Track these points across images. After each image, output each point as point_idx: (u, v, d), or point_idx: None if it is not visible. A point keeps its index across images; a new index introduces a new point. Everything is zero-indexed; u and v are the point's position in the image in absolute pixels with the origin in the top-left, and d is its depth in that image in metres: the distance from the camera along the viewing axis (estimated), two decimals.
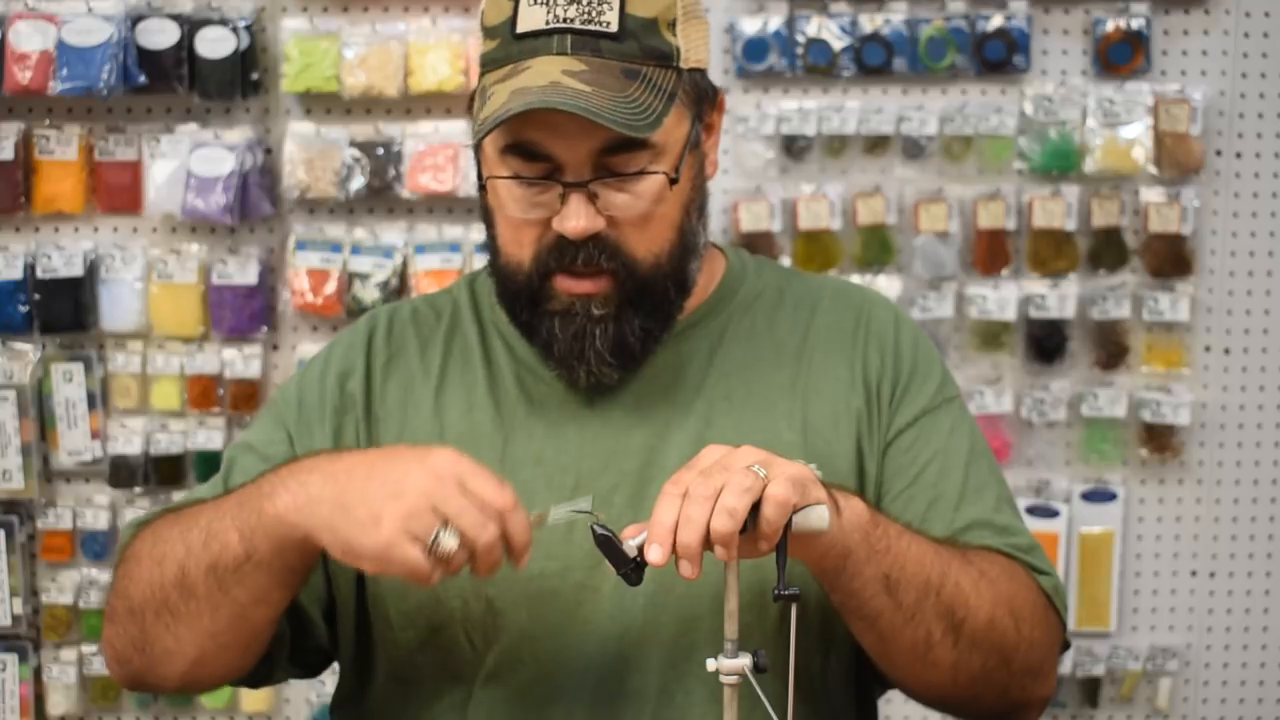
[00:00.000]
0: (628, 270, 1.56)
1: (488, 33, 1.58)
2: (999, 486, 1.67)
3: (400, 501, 1.39)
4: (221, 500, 1.53)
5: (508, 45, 1.54)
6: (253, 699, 3.18)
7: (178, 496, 3.14)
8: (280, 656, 1.64)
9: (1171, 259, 3.11)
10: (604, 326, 1.57)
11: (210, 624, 1.52)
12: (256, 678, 1.65)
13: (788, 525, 1.36)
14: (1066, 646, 1.67)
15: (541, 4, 1.53)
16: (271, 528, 1.45)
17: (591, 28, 1.52)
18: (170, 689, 1.60)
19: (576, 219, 1.53)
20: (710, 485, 1.35)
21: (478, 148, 1.59)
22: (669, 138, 1.55)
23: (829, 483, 1.46)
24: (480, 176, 1.59)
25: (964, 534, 1.60)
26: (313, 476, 1.45)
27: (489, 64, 1.57)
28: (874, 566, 1.46)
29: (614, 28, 1.52)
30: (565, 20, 1.52)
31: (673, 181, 1.55)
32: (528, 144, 1.53)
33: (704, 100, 1.61)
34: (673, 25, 1.55)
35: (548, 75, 1.50)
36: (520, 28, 1.54)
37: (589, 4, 1.52)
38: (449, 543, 1.38)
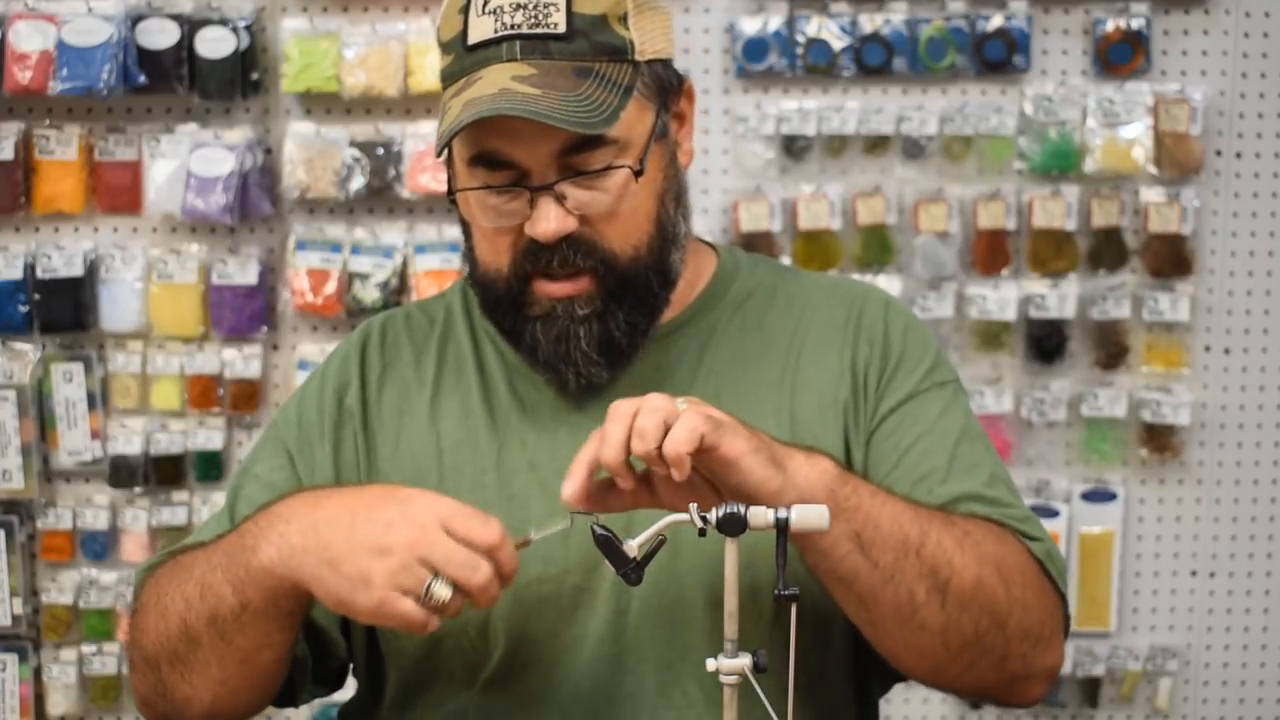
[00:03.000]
0: (607, 266, 1.56)
1: (443, 48, 1.59)
2: (994, 467, 1.63)
3: (387, 559, 1.39)
4: (213, 550, 1.53)
5: (461, 58, 1.55)
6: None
7: (178, 497, 3.16)
8: (304, 681, 1.65)
9: (1171, 259, 3.11)
10: (589, 326, 1.57)
11: (219, 672, 1.53)
12: (281, 701, 1.66)
13: (786, 526, 1.35)
14: (1068, 624, 1.61)
15: (490, 14, 1.53)
16: (260, 580, 1.46)
17: (539, 31, 1.52)
18: None
19: (546, 222, 1.53)
20: (629, 407, 1.38)
21: (449, 161, 1.60)
22: (631, 131, 1.55)
23: (789, 442, 1.46)
24: (450, 190, 1.60)
25: (950, 507, 1.57)
26: (291, 527, 1.45)
27: (447, 79, 1.58)
28: (843, 525, 1.44)
29: (562, 28, 1.53)
30: (513, 27, 1.52)
31: (638, 174, 1.55)
32: (490, 153, 1.53)
33: (668, 90, 1.60)
34: (624, 19, 1.55)
35: (498, 83, 1.50)
36: (471, 39, 1.54)
37: (535, 8, 1.52)
38: (442, 593, 1.39)
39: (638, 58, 1.56)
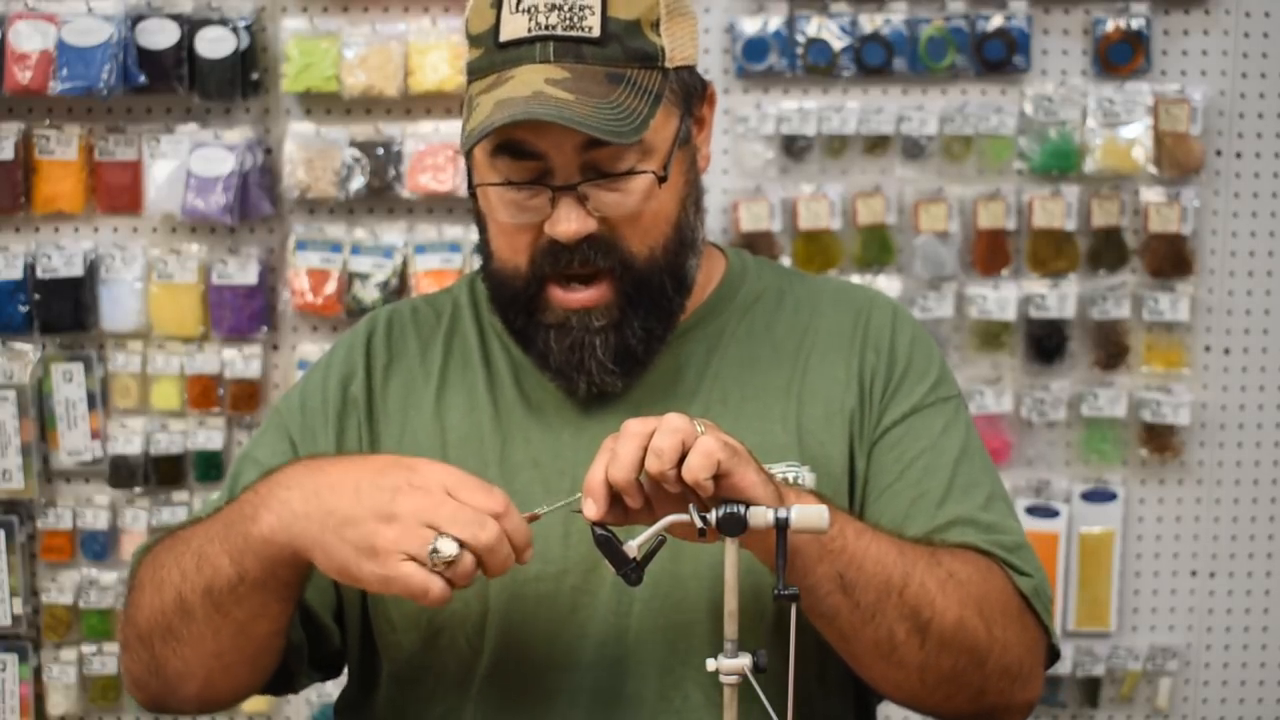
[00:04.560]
0: (625, 268, 1.56)
1: (472, 41, 1.58)
2: (992, 486, 1.65)
3: (393, 525, 1.37)
4: (211, 522, 1.52)
5: (491, 54, 1.55)
6: (253, 699, 3.16)
7: (178, 497, 3.16)
8: (300, 667, 1.64)
9: (1171, 259, 3.11)
10: (604, 336, 1.57)
11: (214, 644, 1.52)
12: (278, 687, 1.65)
13: (786, 525, 1.36)
14: (1055, 656, 1.64)
15: (524, 12, 1.53)
16: (259, 549, 1.45)
17: (574, 34, 1.52)
18: (189, 710, 1.60)
19: (567, 222, 1.53)
20: (643, 426, 1.37)
21: (468, 154, 1.59)
22: (657, 136, 1.55)
23: (786, 484, 1.46)
24: (470, 184, 1.59)
25: (945, 531, 1.59)
26: (293, 494, 1.44)
27: (474, 72, 1.57)
28: (826, 566, 1.45)
29: (596, 33, 1.52)
30: (547, 27, 1.52)
31: (661, 180, 1.55)
32: (516, 143, 1.53)
33: (692, 96, 1.61)
34: (656, 25, 1.55)
35: (531, 85, 1.50)
36: (503, 36, 1.54)
37: (570, 10, 1.52)
38: (448, 549, 1.37)
39: (668, 65, 1.56)
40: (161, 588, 1.53)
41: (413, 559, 1.37)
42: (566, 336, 1.57)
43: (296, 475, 1.46)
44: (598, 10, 1.52)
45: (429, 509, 1.38)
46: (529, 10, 1.52)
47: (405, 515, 1.38)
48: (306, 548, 1.42)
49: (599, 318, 1.57)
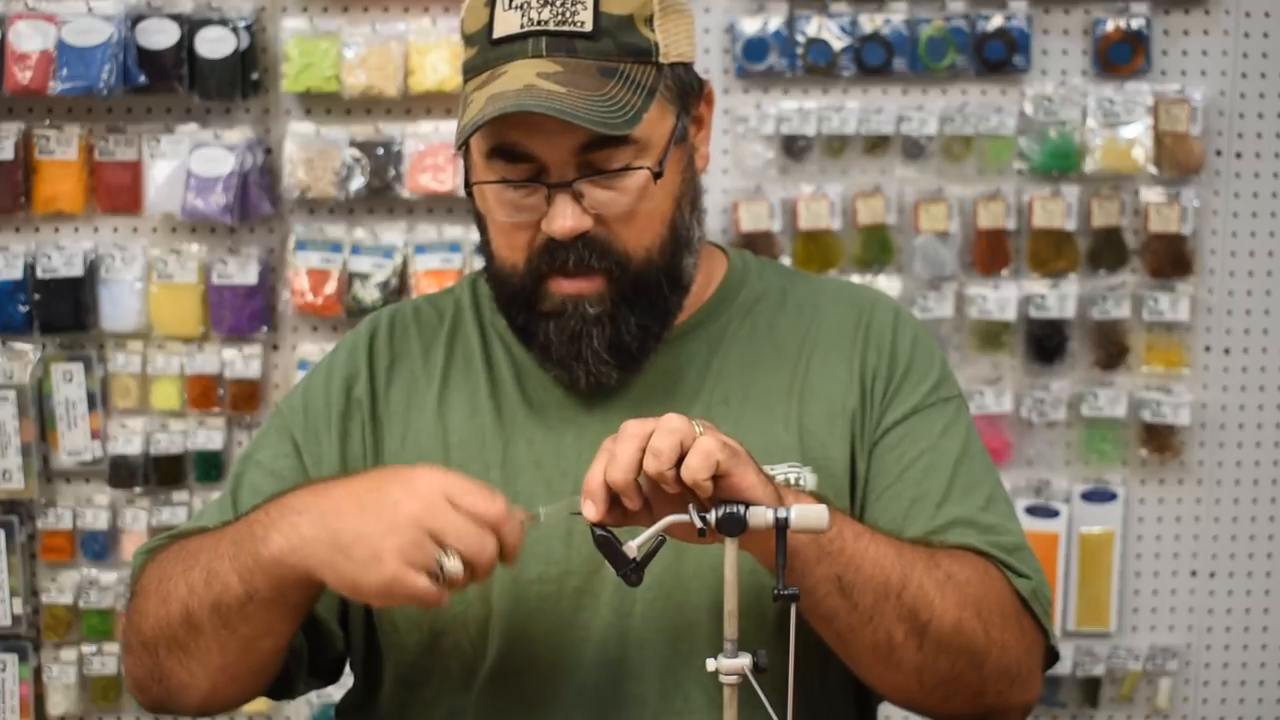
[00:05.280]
0: (621, 268, 1.56)
1: (467, 40, 1.59)
2: (992, 487, 1.65)
3: (396, 535, 1.39)
4: (220, 537, 1.53)
5: (485, 51, 1.55)
6: (253, 700, 3.17)
7: (178, 497, 3.16)
8: (299, 671, 1.65)
9: (1171, 259, 3.11)
10: (601, 327, 1.57)
11: (219, 658, 1.53)
12: (277, 692, 1.66)
13: (786, 525, 1.36)
14: (1054, 657, 1.64)
15: (516, 8, 1.53)
16: (269, 569, 1.46)
17: (566, 29, 1.52)
18: (191, 713, 1.62)
19: (563, 219, 1.53)
20: (642, 427, 1.38)
21: (466, 154, 1.59)
22: (652, 133, 1.55)
23: (785, 485, 1.46)
24: (468, 183, 1.60)
25: (944, 532, 1.59)
26: (302, 519, 1.45)
27: (469, 71, 1.58)
28: (825, 567, 1.45)
29: (588, 27, 1.53)
30: (539, 23, 1.52)
31: (656, 176, 1.55)
32: (509, 146, 1.53)
33: (689, 94, 1.61)
34: (650, 21, 1.55)
35: (522, 79, 1.50)
36: (496, 33, 1.54)
37: (563, 5, 1.52)
38: (454, 566, 1.40)
39: (662, 60, 1.56)
40: (168, 600, 1.54)
41: (416, 567, 1.39)
42: (565, 327, 1.58)
43: (305, 499, 1.47)
44: (590, 5, 1.53)
45: (431, 518, 1.40)
46: (521, 6, 1.53)
47: (406, 525, 1.40)
48: (315, 569, 1.44)
49: (593, 305, 1.57)
